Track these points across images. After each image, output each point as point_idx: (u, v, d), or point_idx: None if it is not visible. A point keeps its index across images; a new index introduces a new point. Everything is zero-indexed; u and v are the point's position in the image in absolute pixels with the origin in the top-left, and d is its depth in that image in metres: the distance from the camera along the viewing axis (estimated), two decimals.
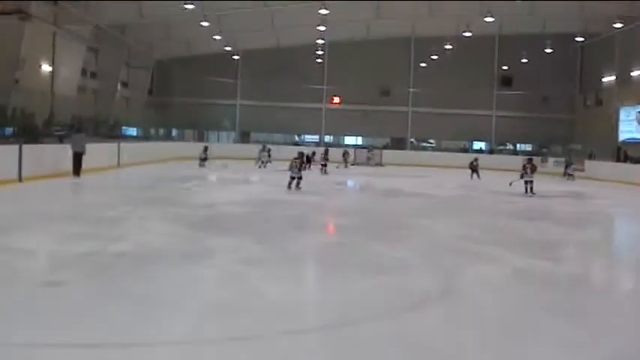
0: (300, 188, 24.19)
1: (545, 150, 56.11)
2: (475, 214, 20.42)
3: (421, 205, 22.65)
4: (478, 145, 61.04)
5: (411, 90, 58.81)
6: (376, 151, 52.09)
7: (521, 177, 27.58)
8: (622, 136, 50.37)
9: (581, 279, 10.95)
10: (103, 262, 10.15)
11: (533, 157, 32.42)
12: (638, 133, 48.33)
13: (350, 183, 33.50)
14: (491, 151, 57.96)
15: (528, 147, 60.33)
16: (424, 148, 59.49)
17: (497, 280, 10.40)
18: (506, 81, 59.22)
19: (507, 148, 60.51)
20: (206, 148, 39.94)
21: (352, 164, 46.32)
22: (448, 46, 53.10)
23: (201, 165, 38.43)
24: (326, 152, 39.39)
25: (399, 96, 58.60)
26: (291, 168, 24.64)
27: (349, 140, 60.85)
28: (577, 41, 55.00)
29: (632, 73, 50.16)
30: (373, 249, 12.63)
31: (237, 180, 30.39)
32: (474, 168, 37.68)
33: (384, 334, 7.14)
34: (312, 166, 37.63)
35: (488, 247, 13.36)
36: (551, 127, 58.01)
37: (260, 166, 40.74)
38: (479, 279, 10.36)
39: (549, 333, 7.40)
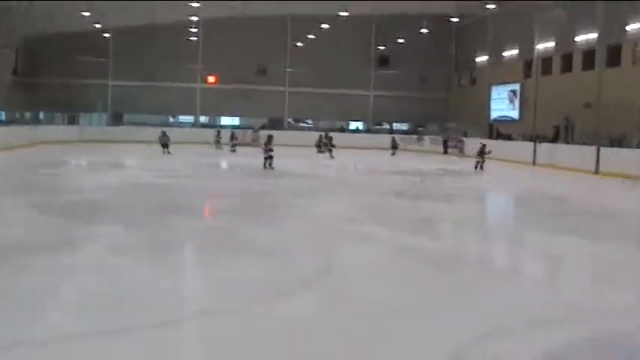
0: (273, 168, 26.07)
1: (421, 129, 56.85)
2: (355, 194, 20.30)
3: (300, 185, 22.30)
4: (355, 124, 61.17)
5: (288, 70, 58.33)
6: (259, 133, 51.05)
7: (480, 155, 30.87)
8: (494, 114, 51.80)
9: (462, 256, 10.86)
10: None
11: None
12: (509, 111, 49.77)
13: (224, 164, 32.88)
14: (368, 130, 58.26)
15: (405, 126, 61.03)
16: (301, 128, 59.14)
17: (378, 259, 10.26)
18: (384, 61, 59.59)
19: (384, 127, 60.92)
20: (164, 133, 37.71)
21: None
22: (325, 26, 52.93)
23: (165, 152, 35.68)
24: (326, 136, 39.89)
25: (277, 75, 58.14)
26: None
27: (225, 121, 59.77)
28: (452, 22, 55.71)
29: (503, 54, 51.56)
30: (251, 232, 12.17)
31: (111, 164, 29.23)
32: (395, 146, 41.02)
33: (264, 319, 6.83)
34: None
35: (370, 227, 13.23)
36: (427, 106, 58.94)
37: (231, 149, 41.02)
38: (360, 259, 10.25)
39: (433, 310, 7.27)
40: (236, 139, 42.87)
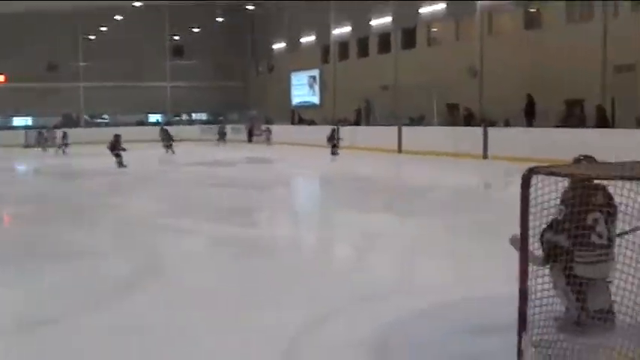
0: (125, 166, 24.74)
1: (221, 118, 56.33)
2: (166, 188, 19.66)
3: (107, 183, 21.24)
4: (155, 117, 59.72)
5: (81, 64, 56.02)
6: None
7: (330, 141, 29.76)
8: (295, 100, 52.36)
9: (278, 242, 10.84)
10: None
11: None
12: (309, 97, 50.53)
13: (22, 167, 30.96)
14: (167, 123, 56.98)
15: (204, 116, 60.37)
16: (98, 125, 56.88)
17: (200, 252, 10.11)
18: (179, 51, 58.75)
19: (183, 118, 59.97)
20: None
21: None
22: (118, 17, 51.25)
23: None
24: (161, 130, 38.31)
25: (70, 71, 55.63)
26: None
27: (18, 122, 56.33)
28: (248, 9, 55.56)
29: (301, 40, 52.00)
30: (62, 236, 11.44)
31: None
32: (222, 136, 40.32)
33: (91, 326, 6.30)
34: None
35: (185, 220, 12.96)
36: (227, 95, 58.72)
37: (60, 151, 37.41)
38: (181, 254, 9.92)
39: (262, 300, 7.11)
40: (66, 138, 39.68)
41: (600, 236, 5.12)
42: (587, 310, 5.11)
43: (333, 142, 30.08)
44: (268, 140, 42.30)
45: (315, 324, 6.10)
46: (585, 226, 5.05)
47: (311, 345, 5.68)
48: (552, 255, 5.14)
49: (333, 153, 29.65)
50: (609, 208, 5.18)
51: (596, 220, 5.13)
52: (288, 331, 5.84)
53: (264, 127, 44.88)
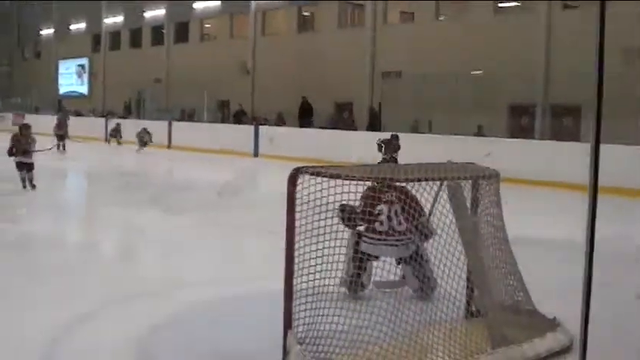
0: None
1: None
2: None
3: None
4: None
5: None
6: None
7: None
8: (63, 89, 50.74)
9: (37, 237, 10.26)
10: None
11: None
12: (77, 86, 49.14)
13: None
14: None
15: None
16: None
17: None
18: None
19: None
20: None
21: None
22: None
23: None
24: None
25: None
26: None
27: None
28: None
29: (70, 27, 50.25)
30: None
31: None
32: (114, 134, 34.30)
33: None
34: None
35: None
36: None
37: None
38: None
39: (15, 297, 6.70)
40: None
41: (382, 224, 5.96)
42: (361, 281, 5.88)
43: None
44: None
45: (76, 324, 5.81)
46: (371, 213, 5.86)
47: (70, 346, 5.38)
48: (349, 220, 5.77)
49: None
50: (401, 203, 5.86)
51: (380, 211, 5.96)
52: (46, 331, 5.54)
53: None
